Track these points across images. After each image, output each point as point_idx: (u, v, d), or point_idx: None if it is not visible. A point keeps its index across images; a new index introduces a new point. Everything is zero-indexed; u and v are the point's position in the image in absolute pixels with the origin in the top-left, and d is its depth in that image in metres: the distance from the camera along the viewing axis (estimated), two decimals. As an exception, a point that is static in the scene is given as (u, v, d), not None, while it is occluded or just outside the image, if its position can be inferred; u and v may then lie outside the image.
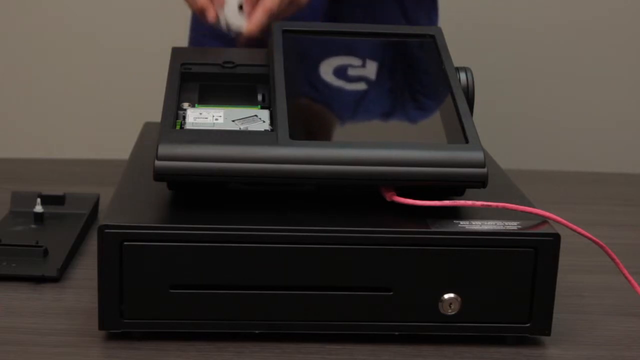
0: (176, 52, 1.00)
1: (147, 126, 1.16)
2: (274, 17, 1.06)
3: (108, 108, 2.03)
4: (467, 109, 0.89)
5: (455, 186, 0.84)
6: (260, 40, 1.06)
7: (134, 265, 0.80)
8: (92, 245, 1.03)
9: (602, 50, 2.03)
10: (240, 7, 1.08)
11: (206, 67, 0.98)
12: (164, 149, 0.82)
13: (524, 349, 0.84)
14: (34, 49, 2.05)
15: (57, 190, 1.12)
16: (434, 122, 0.90)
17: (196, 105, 0.91)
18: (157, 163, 0.81)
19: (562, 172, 1.45)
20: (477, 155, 0.83)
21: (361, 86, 0.96)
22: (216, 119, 0.87)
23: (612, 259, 0.87)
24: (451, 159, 0.83)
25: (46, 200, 1.09)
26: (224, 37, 1.24)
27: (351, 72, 0.97)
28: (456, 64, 0.96)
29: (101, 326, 0.82)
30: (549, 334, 0.84)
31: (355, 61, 0.99)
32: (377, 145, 0.84)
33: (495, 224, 0.83)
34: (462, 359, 0.82)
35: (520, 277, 0.82)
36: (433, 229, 0.82)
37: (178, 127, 0.87)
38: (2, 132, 2.08)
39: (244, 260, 0.81)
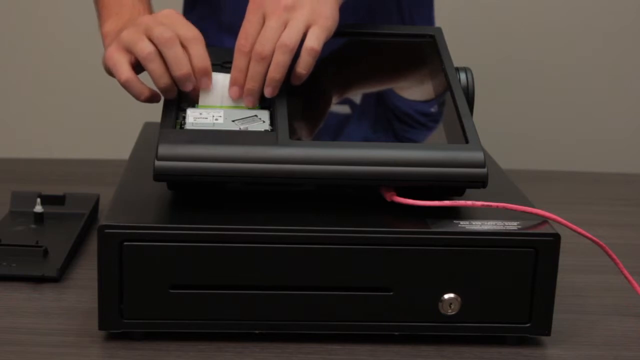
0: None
1: (147, 126, 1.16)
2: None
3: (108, 108, 2.03)
4: (467, 109, 0.89)
5: (455, 186, 0.84)
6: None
7: (134, 265, 0.80)
8: (92, 245, 1.03)
9: (602, 50, 2.03)
10: None
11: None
12: (164, 149, 0.82)
13: (524, 349, 0.84)
14: (34, 48, 2.05)
15: (57, 190, 1.12)
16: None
17: (196, 105, 0.91)
18: (157, 163, 0.81)
19: (562, 172, 1.45)
20: (477, 155, 0.83)
21: (360, 93, 0.96)
22: (216, 119, 0.87)
23: (612, 259, 0.87)
24: (451, 159, 0.83)
25: (46, 200, 1.09)
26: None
27: (350, 81, 0.97)
28: (456, 64, 0.96)
29: (101, 326, 0.82)
30: (549, 334, 0.84)
31: (354, 68, 0.99)
32: (377, 146, 0.84)
33: (495, 224, 0.83)
34: (462, 359, 0.82)
35: (520, 277, 0.82)
36: (433, 229, 0.81)
37: (178, 127, 0.87)
38: (2, 132, 2.08)
39: (244, 260, 0.81)
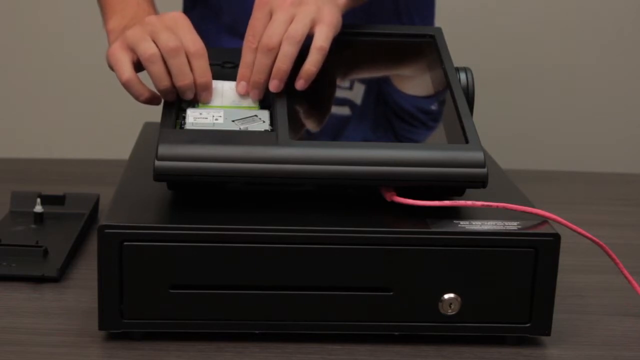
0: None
1: (147, 126, 1.16)
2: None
3: (108, 108, 2.03)
4: (467, 109, 0.89)
5: (455, 186, 0.84)
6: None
7: (134, 265, 0.80)
8: (92, 245, 1.03)
9: (601, 50, 2.03)
10: None
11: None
12: (164, 149, 0.82)
13: (524, 349, 0.84)
14: (34, 48, 2.05)
15: (57, 190, 1.12)
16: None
17: (196, 105, 0.91)
18: (157, 163, 0.81)
19: (562, 172, 1.45)
20: (477, 155, 0.83)
21: (360, 92, 0.96)
22: (216, 119, 0.87)
23: (612, 259, 0.87)
24: (451, 159, 0.83)
25: (46, 200, 1.09)
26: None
27: (351, 79, 0.97)
28: (456, 64, 0.96)
29: (101, 326, 0.82)
30: (549, 334, 0.84)
31: (354, 68, 0.99)
32: (377, 146, 0.84)
33: (495, 224, 0.83)
34: (462, 359, 0.82)
35: (520, 277, 0.82)
36: (433, 229, 0.81)
37: (178, 127, 0.87)
38: (2, 132, 2.08)
39: (244, 260, 0.81)
